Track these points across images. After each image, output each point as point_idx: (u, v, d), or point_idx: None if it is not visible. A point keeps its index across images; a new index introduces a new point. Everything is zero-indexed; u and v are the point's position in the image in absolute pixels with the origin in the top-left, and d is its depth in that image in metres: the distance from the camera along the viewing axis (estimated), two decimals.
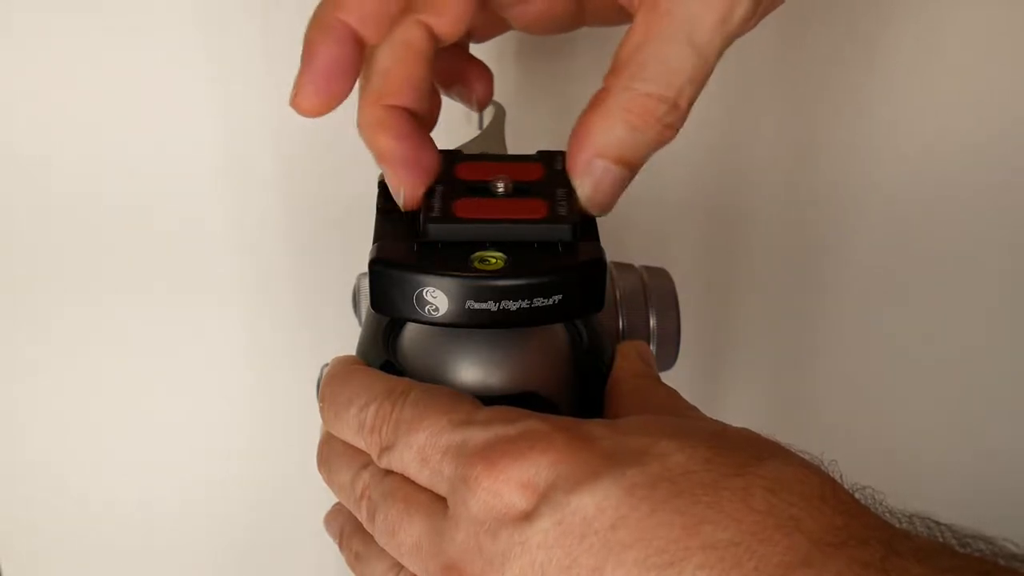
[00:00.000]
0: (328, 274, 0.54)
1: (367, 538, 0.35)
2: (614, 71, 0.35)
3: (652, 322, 0.43)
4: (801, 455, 0.31)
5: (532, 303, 0.33)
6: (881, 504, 0.31)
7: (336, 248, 0.49)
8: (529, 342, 0.37)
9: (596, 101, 0.35)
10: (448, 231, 0.34)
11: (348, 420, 0.35)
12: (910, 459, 0.67)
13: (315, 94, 0.35)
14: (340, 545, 0.38)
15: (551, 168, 0.37)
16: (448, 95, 0.41)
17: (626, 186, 0.36)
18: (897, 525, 0.30)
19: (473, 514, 0.31)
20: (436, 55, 0.36)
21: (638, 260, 0.45)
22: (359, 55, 0.35)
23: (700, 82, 0.35)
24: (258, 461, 0.62)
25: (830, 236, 0.61)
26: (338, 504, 0.38)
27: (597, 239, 0.35)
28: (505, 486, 0.30)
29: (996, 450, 0.68)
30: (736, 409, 0.63)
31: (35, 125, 0.52)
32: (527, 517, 0.30)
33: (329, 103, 0.35)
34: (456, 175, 0.37)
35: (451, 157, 0.37)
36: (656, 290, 0.44)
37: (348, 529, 0.37)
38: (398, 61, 0.34)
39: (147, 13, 0.50)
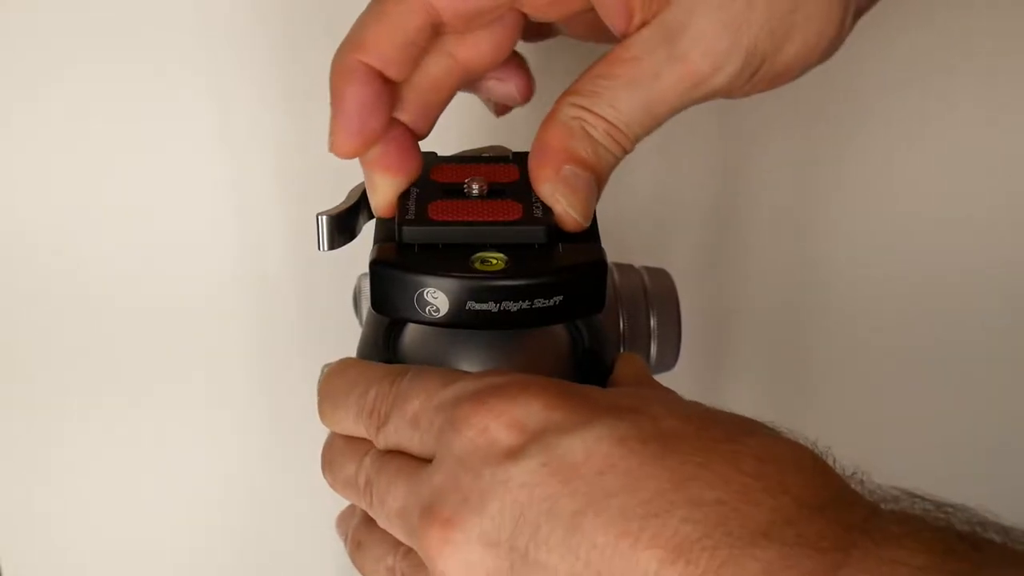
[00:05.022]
0: (329, 275, 0.54)
1: (371, 526, 0.35)
2: (569, 93, 0.35)
3: (653, 323, 0.43)
4: (794, 436, 0.31)
5: (533, 304, 0.33)
6: (868, 483, 0.31)
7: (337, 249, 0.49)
8: (530, 343, 0.37)
9: (551, 118, 0.35)
10: (422, 234, 0.34)
11: (347, 408, 0.35)
12: (908, 457, 0.67)
13: (350, 137, 0.35)
14: (346, 541, 0.38)
15: (526, 170, 0.37)
16: (480, 93, 0.40)
17: (597, 198, 0.35)
18: (883, 497, 0.31)
19: (456, 453, 0.30)
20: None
21: (639, 261, 0.45)
22: (387, 91, 0.35)
23: (649, 127, 0.35)
24: (260, 461, 0.62)
25: (831, 239, 0.61)
26: (351, 505, 0.38)
27: (598, 240, 0.35)
28: (494, 422, 0.30)
29: (995, 449, 0.67)
30: (735, 409, 0.63)
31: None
32: (512, 455, 0.29)
33: (365, 143, 0.35)
34: (431, 177, 0.37)
35: (426, 159, 0.37)
36: (657, 291, 0.44)
37: (355, 523, 0.37)
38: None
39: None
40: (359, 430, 0.35)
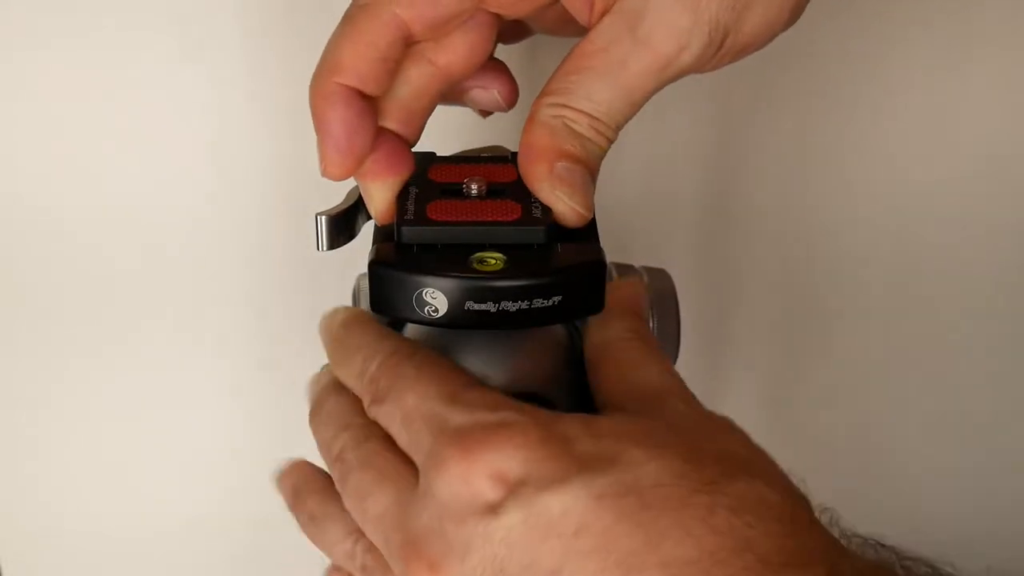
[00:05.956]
0: (328, 275, 0.54)
1: (327, 499, 0.35)
2: (544, 94, 0.35)
3: (652, 323, 0.43)
4: (771, 469, 0.32)
5: (531, 304, 0.33)
6: (838, 525, 0.32)
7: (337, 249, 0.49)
8: (529, 343, 0.37)
9: (532, 121, 0.35)
10: (421, 234, 0.34)
11: (352, 365, 0.35)
12: (908, 459, 0.67)
13: (341, 159, 0.35)
14: (293, 506, 0.38)
15: None
16: (466, 104, 0.40)
17: (593, 192, 0.35)
18: (847, 545, 0.31)
19: (441, 498, 0.31)
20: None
21: (638, 261, 0.45)
22: (369, 107, 0.35)
23: (628, 113, 0.35)
24: (258, 460, 0.61)
25: (829, 237, 0.61)
26: (295, 462, 0.38)
27: (597, 240, 0.35)
28: (476, 475, 0.30)
29: (994, 453, 0.67)
30: (735, 409, 0.62)
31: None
32: (493, 510, 0.30)
33: (356, 163, 0.35)
34: (430, 177, 0.37)
35: (425, 159, 0.37)
36: (656, 291, 0.44)
37: (306, 489, 0.37)
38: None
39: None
40: (357, 387, 0.35)
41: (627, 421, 0.33)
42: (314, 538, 0.37)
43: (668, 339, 0.43)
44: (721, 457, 0.32)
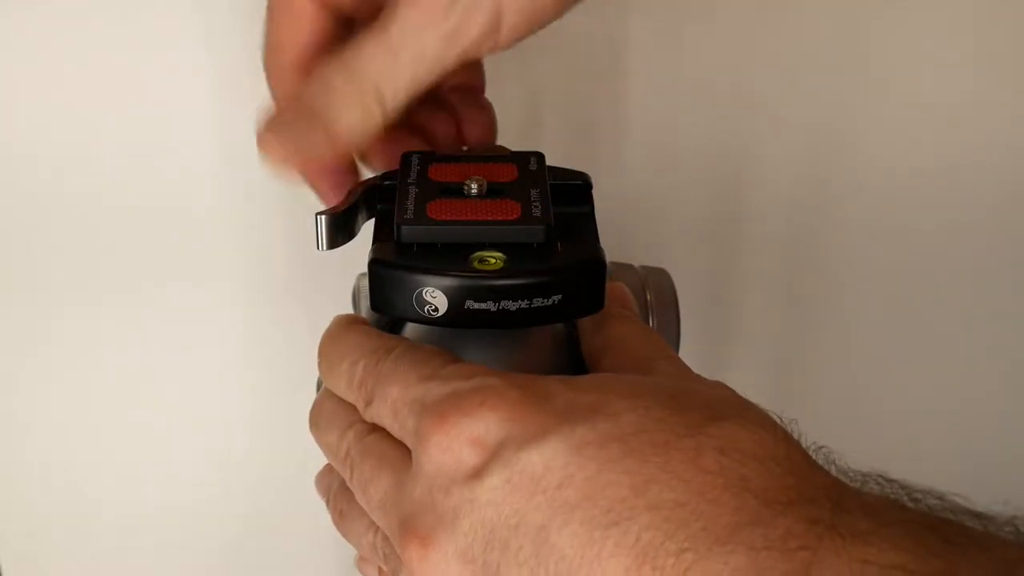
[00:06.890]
0: (328, 274, 0.54)
1: (351, 496, 0.36)
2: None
3: (652, 322, 0.43)
4: (762, 414, 0.31)
5: (532, 303, 0.33)
6: (835, 464, 0.31)
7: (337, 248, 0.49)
8: (529, 342, 0.37)
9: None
10: (421, 233, 0.34)
11: (340, 375, 0.35)
12: (909, 457, 0.67)
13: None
14: (328, 503, 0.38)
15: (525, 169, 0.37)
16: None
17: (300, 139, 0.37)
18: (850, 484, 0.30)
19: (428, 472, 0.31)
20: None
21: (638, 260, 0.45)
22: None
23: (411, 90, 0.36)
24: (258, 463, 0.62)
25: (830, 236, 0.61)
26: (329, 464, 0.38)
27: (597, 239, 0.35)
28: (455, 441, 0.30)
29: (996, 447, 0.67)
30: None
31: (33, 126, 0.52)
32: (477, 474, 0.30)
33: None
34: (430, 176, 0.37)
35: (425, 158, 0.38)
36: (656, 290, 0.44)
37: (335, 487, 0.38)
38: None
39: (146, 11, 0.50)
40: (349, 397, 0.35)
41: (609, 377, 0.33)
42: (344, 533, 0.37)
43: (668, 338, 0.43)
44: (707, 404, 0.31)
